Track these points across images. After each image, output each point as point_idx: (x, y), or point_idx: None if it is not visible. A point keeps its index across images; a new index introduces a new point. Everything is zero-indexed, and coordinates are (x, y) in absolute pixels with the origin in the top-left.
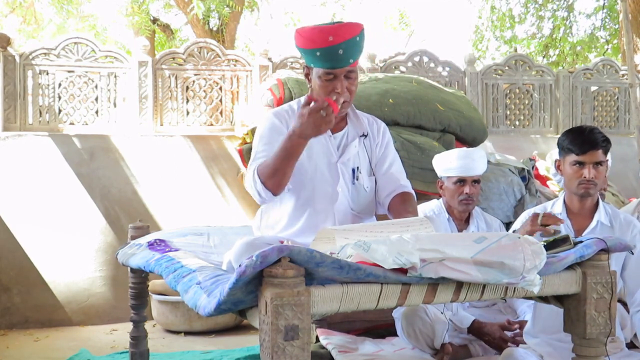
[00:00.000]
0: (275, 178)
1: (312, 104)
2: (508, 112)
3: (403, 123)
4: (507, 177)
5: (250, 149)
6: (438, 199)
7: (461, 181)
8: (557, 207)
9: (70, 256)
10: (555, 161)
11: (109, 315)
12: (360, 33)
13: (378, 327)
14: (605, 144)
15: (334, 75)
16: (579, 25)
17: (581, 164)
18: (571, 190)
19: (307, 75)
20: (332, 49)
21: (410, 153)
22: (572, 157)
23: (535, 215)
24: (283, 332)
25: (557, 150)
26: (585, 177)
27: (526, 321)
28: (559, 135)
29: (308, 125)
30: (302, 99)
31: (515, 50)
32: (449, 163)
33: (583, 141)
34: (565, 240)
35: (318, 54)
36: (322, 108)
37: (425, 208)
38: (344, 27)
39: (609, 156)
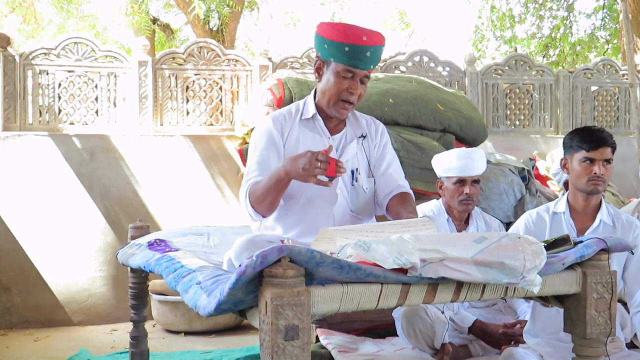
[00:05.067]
0: (264, 205)
1: (320, 154)
2: (508, 112)
3: (403, 123)
4: (507, 177)
5: None
6: (438, 199)
7: (461, 181)
8: (560, 206)
9: (70, 256)
10: (561, 160)
11: (109, 315)
12: (384, 44)
13: (378, 327)
14: (613, 143)
15: (353, 74)
16: (579, 25)
17: (592, 160)
18: (579, 188)
19: (318, 69)
20: (362, 48)
21: (410, 153)
22: (582, 154)
23: None
24: (283, 332)
25: (557, 150)
26: (595, 173)
27: (526, 321)
28: (559, 135)
29: (300, 162)
30: (301, 103)
31: (515, 50)
32: (448, 163)
33: (593, 138)
34: (565, 240)
35: (347, 49)
36: (322, 160)
37: (424, 208)
38: (374, 33)
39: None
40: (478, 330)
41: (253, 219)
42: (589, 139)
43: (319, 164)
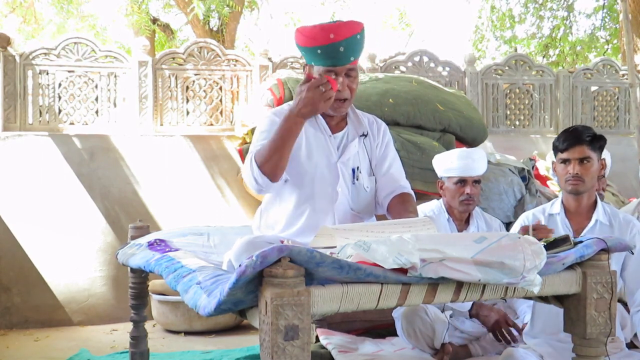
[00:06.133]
0: (272, 161)
1: (312, 80)
2: (508, 112)
3: (403, 123)
4: (507, 177)
5: None
6: (438, 199)
7: (462, 181)
8: (555, 207)
9: (70, 256)
10: (552, 163)
11: (109, 315)
12: (361, 31)
13: (378, 327)
14: (590, 140)
15: (335, 73)
16: (579, 25)
17: (567, 160)
18: (563, 189)
19: (308, 74)
20: (333, 47)
21: (410, 153)
22: (559, 155)
23: (525, 228)
24: (283, 332)
25: None
26: (569, 172)
27: (526, 324)
28: None
29: (307, 101)
30: None
31: (515, 50)
32: (449, 163)
33: (566, 138)
34: (565, 240)
35: (319, 51)
36: (321, 83)
37: (425, 208)
38: (344, 25)
39: (606, 155)
40: (477, 309)
41: (258, 185)
42: (563, 140)
43: (322, 89)
